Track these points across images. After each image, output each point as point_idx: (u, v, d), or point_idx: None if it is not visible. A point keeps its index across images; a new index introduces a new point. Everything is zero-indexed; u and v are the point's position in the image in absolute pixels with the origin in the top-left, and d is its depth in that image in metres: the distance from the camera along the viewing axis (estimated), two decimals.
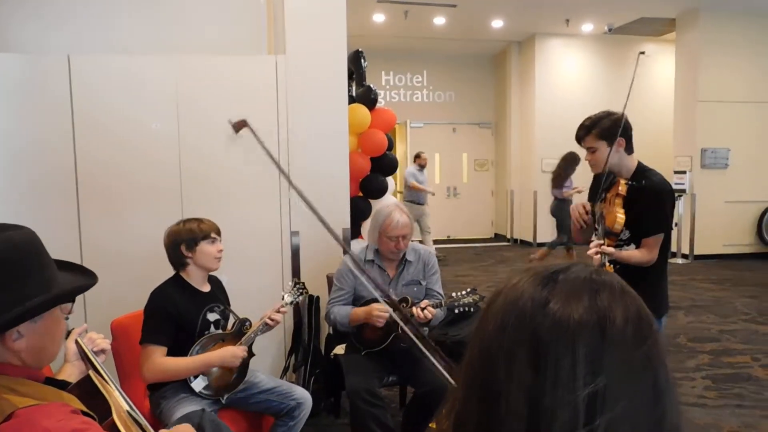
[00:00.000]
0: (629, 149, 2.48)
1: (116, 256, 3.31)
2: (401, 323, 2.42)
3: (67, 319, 1.31)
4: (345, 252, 2.59)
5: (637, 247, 2.45)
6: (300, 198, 2.40)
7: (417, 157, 8.88)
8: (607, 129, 2.41)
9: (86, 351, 1.53)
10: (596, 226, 2.44)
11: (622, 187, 2.40)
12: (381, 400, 2.63)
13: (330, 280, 3.27)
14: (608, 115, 2.47)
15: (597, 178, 2.60)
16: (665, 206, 2.43)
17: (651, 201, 2.39)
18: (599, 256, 2.35)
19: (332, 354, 3.18)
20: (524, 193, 10.83)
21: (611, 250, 2.37)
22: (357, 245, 3.71)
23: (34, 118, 3.29)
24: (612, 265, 2.38)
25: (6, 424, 1.00)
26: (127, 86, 3.37)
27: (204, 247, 2.44)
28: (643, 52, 2.88)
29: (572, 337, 0.58)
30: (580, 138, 2.51)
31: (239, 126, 2.38)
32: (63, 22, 4.10)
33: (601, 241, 2.39)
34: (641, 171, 2.48)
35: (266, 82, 3.51)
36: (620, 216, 2.37)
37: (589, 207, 2.54)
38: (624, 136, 2.43)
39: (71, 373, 1.53)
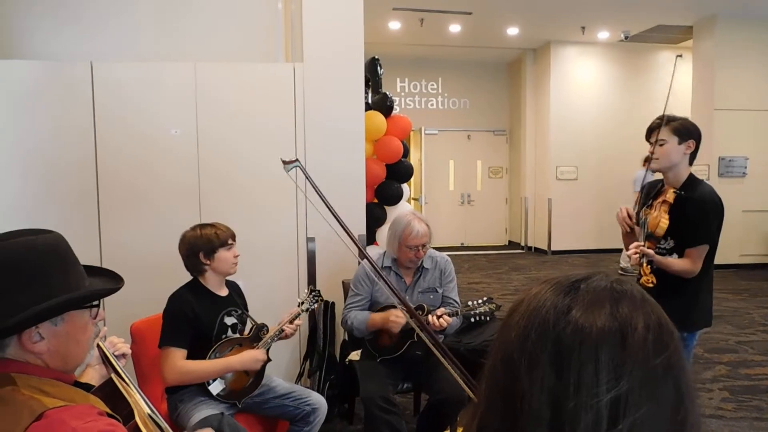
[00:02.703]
0: (692, 158, 2.48)
1: (136, 259, 3.36)
2: (418, 330, 2.43)
3: (95, 325, 1.32)
4: (363, 257, 2.60)
5: (680, 258, 2.44)
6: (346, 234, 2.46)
7: (647, 160, 8.36)
8: (684, 126, 2.42)
9: (107, 355, 1.56)
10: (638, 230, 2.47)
11: (669, 195, 2.42)
12: (395, 406, 2.63)
13: (345, 286, 3.28)
14: (686, 118, 2.48)
15: (646, 190, 2.62)
16: (710, 218, 2.41)
17: (697, 211, 2.38)
18: (637, 255, 2.35)
19: (347, 360, 3.20)
20: (538, 200, 10.79)
21: (650, 251, 2.37)
22: (372, 252, 3.73)
23: (58, 123, 3.36)
24: (649, 266, 2.38)
25: (36, 424, 1.02)
26: (148, 92, 3.43)
27: (222, 254, 2.46)
28: (680, 55, 2.93)
29: (595, 343, 0.60)
30: (653, 128, 2.49)
31: (291, 163, 2.58)
32: (87, 30, 4.19)
33: (642, 243, 2.40)
34: (692, 182, 2.47)
35: (284, 89, 3.55)
36: (664, 221, 2.39)
37: (632, 211, 2.56)
38: (696, 144, 2.44)
39: (93, 376, 1.55)
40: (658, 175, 2.60)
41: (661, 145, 2.44)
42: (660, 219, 2.40)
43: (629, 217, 2.55)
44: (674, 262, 2.40)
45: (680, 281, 2.38)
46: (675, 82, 11.41)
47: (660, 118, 2.48)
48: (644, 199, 2.58)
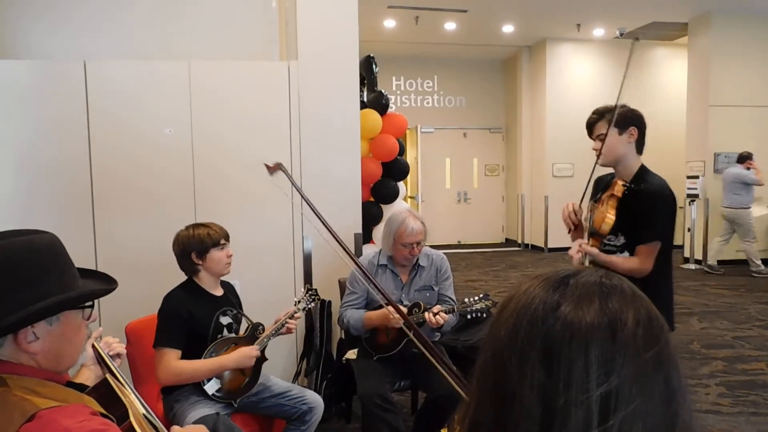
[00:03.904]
0: (639, 146, 2.37)
1: (131, 259, 3.35)
2: (410, 335, 2.42)
3: (87, 327, 1.32)
4: (354, 262, 2.58)
5: (631, 255, 2.30)
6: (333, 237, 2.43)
7: (747, 158, 7.85)
8: (621, 116, 2.31)
9: (102, 355, 1.55)
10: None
11: (618, 189, 2.30)
12: (393, 405, 2.63)
13: (342, 285, 3.28)
14: (624, 105, 2.38)
15: (598, 182, 2.52)
16: (661, 212, 2.27)
17: (647, 205, 2.25)
18: (579, 255, 2.19)
19: (344, 359, 3.20)
20: (535, 198, 10.80)
21: (594, 250, 2.23)
22: (368, 250, 3.72)
23: (51, 122, 3.34)
24: (592, 265, 2.18)
25: (28, 425, 1.02)
26: (142, 91, 3.42)
27: (214, 254, 2.46)
28: (637, 39, 2.82)
29: (584, 339, 0.59)
30: (592, 123, 2.41)
31: (274, 168, 2.52)
32: (81, 29, 4.18)
33: (585, 241, 2.25)
34: (642, 174, 2.35)
35: (279, 87, 3.54)
36: (609, 217, 2.25)
37: (578, 207, 2.42)
38: (638, 129, 2.34)
39: (88, 377, 1.55)
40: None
41: (602, 139, 2.34)
42: (606, 215, 2.25)
43: (575, 212, 2.40)
44: (620, 261, 2.25)
45: (638, 284, 2.19)
46: (669, 80, 11.48)
47: (596, 112, 2.40)
48: (593, 193, 2.44)
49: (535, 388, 0.59)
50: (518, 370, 0.61)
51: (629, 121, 2.33)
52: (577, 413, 0.57)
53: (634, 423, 0.57)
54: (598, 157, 2.39)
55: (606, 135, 2.31)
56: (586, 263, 2.20)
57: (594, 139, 2.41)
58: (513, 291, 0.68)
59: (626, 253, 2.33)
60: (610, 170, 2.48)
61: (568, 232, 2.46)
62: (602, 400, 0.57)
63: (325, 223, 2.45)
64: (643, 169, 2.38)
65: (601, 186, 2.45)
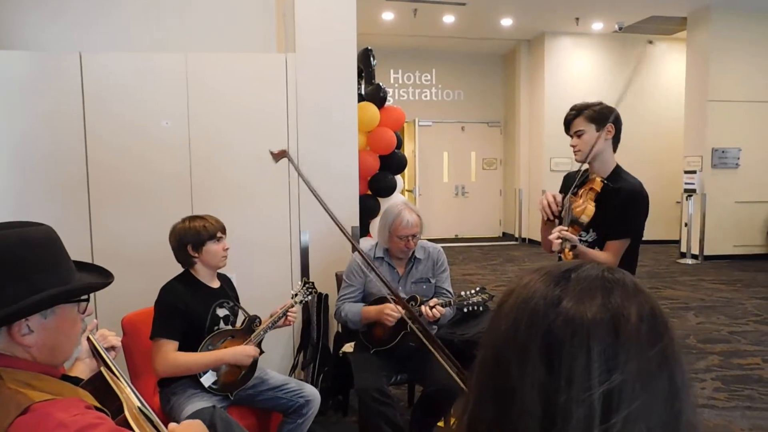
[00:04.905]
0: (615, 144, 2.42)
1: (127, 251, 3.34)
2: (411, 324, 2.42)
3: (82, 320, 1.32)
4: (354, 249, 2.58)
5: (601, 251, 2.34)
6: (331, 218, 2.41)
7: None
8: (598, 113, 2.35)
9: (98, 348, 1.54)
10: (563, 217, 2.35)
11: (596, 184, 2.32)
12: (390, 398, 2.62)
13: (339, 278, 3.27)
14: (601, 102, 2.41)
15: (567, 178, 2.55)
16: (637, 211, 2.33)
17: (624, 202, 2.30)
18: (559, 241, 2.17)
19: (341, 352, 3.19)
20: (533, 192, 10.79)
21: (574, 237, 2.21)
22: (365, 243, 3.71)
23: (47, 114, 3.32)
24: (572, 252, 2.17)
25: (22, 418, 1.01)
26: (138, 83, 3.40)
27: (210, 247, 2.45)
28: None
29: (586, 335, 0.58)
30: (569, 121, 2.44)
31: (279, 155, 2.52)
32: (77, 21, 4.14)
33: (565, 228, 2.24)
34: (618, 172, 2.40)
35: (276, 79, 3.52)
36: (590, 207, 2.26)
37: (560, 198, 2.42)
38: (615, 126, 2.38)
39: (83, 370, 1.54)
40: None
41: (579, 135, 2.38)
42: (587, 205, 2.26)
43: (555, 202, 2.40)
44: (597, 254, 2.29)
45: None
46: (667, 74, 11.45)
47: (573, 109, 2.43)
48: (565, 189, 2.46)
49: (536, 386, 0.58)
50: (518, 367, 0.59)
51: (606, 118, 2.36)
52: (579, 411, 0.56)
53: (636, 421, 0.56)
54: (575, 153, 2.42)
55: (584, 132, 2.37)
56: (567, 248, 2.18)
57: (571, 136, 2.45)
58: (513, 284, 0.67)
59: (596, 249, 2.37)
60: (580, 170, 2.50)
61: (545, 222, 2.45)
62: (605, 398, 0.56)
63: (330, 212, 2.43)
64: (618, 168, 2.42)
65: (572, 182, 2.46)
